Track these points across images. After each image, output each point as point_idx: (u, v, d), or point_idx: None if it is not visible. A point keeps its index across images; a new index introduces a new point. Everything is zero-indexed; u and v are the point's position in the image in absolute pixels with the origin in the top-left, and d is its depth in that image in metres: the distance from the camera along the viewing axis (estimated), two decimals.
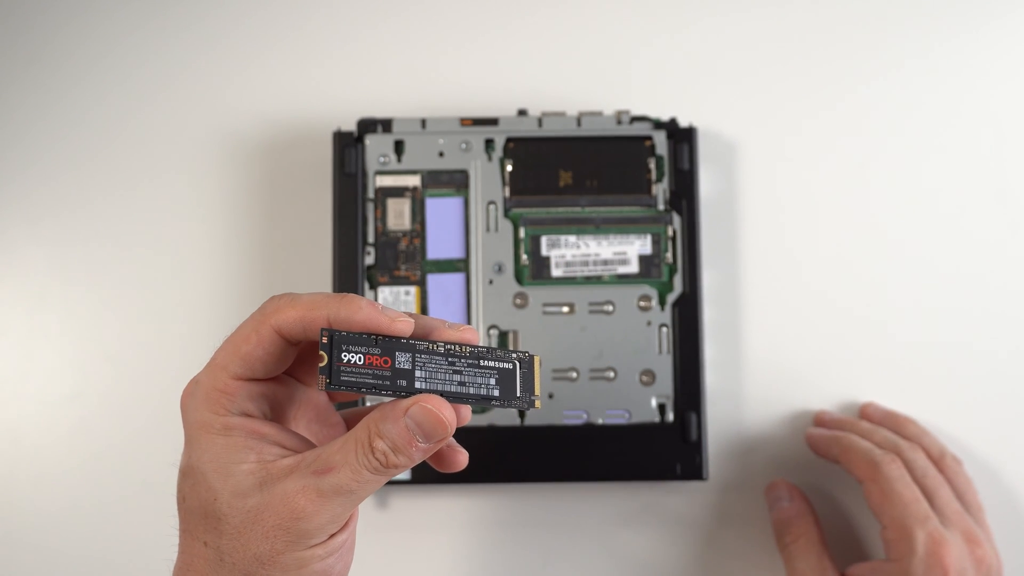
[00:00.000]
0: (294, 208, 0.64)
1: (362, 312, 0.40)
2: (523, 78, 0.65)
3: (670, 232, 0.61)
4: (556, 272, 0.61)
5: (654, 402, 0.60)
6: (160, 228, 0.64)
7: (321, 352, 0.39)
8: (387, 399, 0.40)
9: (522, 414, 0.60)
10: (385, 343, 0.40)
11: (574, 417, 0.60)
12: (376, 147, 0.62)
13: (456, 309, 0.61)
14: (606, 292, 0.61)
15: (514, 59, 0.66)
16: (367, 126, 0.62)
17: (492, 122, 0.62)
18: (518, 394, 0.42)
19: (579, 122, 0.62)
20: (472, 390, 0.41)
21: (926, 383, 0.63)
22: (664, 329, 0.61)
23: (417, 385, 0.40)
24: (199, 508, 0.41)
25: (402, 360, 0.40)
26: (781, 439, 0.63)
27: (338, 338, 0.39)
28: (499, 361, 0.42)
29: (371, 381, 0.40)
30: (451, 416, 0.40)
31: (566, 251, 0.61)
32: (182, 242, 0.64)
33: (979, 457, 0.62)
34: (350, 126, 0.62)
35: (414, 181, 0.62)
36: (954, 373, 0.63)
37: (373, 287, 0.61)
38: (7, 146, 0.65)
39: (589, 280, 0.61)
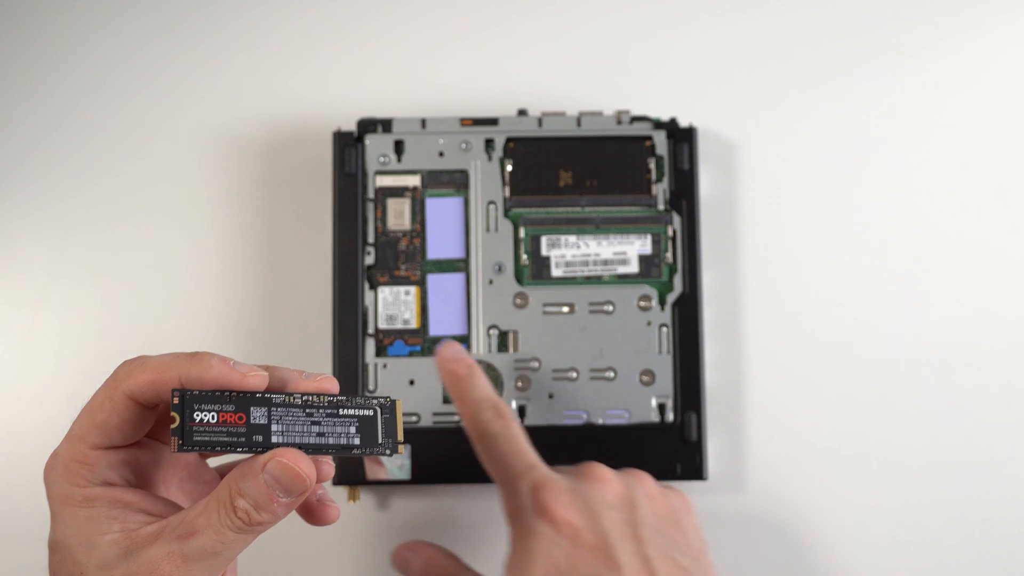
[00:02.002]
0: (294, 208, 0.64)
1: (213, 370, 0.40)
2: (523, 78, 0.65)
3: (670, 232, 0.61)
4: (556, 272, 0.61)
5: (654, 402, 0.60)
6: (160, 228, 0.64)
7: (173, 413, 0.39)
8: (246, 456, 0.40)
9: (522, 413, 0.60)
10: (239, 399, 0.40)
11: (574, 417, 0.60)
12: (376, 147, 0.62)
13: (456, 309, 0.61)
14: (606, 292, 0.61)
15: (514, 59, 0.66)
16: (367, 126, 0.62)
17: (492, 122, 0.62)
18: (380, 440, 0.41)
19: (579, 122, 0.62)
20: (332, 440, 0.41)
21: (927, 383, 0.63)
22: (664, 329, 0.61)
23: (274, 439, 0.40)
24: None
25: (257, 415, 0.40)
26: (781, 439, 0.63)
27: (190, 398, 0.39)
28: (359, 409, 0.41)
29: (225, 439, 0.39)
30: (309, 469, 0.39)
31: (566, 251, 0.61)
32: (182, 242, 0.64)
33: (979, 458, 0.62)
34: (350, 126, 0.62)
35: (414, 181, 0.62)
36: (955, 373, 0.63)
37: (373, 287, 0.61)
38: (7, 147, 0.65)
39: (589, 280, 0.61)
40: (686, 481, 0.60)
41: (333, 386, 0.42)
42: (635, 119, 0.62)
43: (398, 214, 0.61)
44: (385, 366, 0.60)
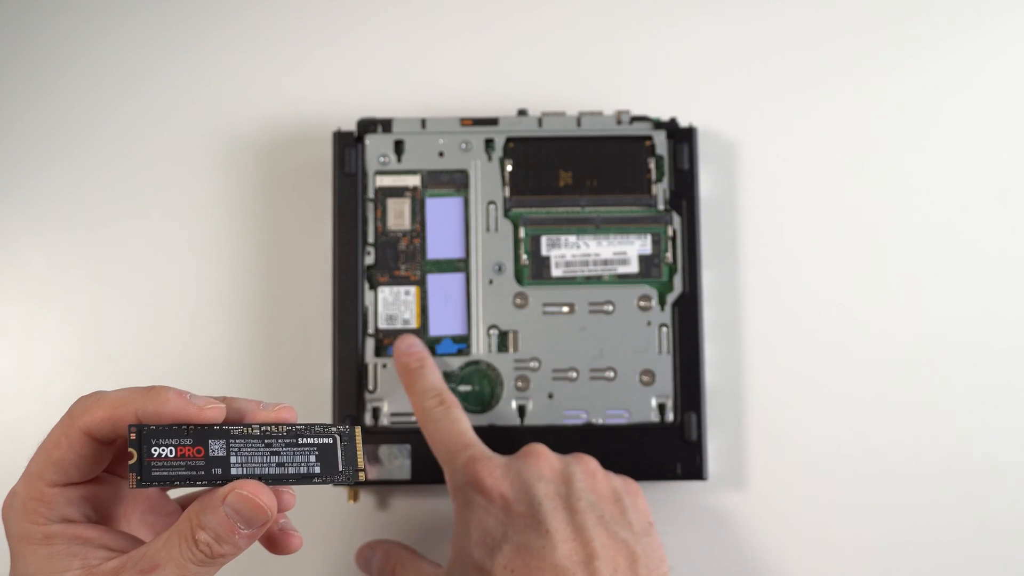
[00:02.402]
0: (294, 208, 0.64)
1: (169, 404, 0.39)
2: (523, 78, 0.65)
3: (670, 232, 0.61)
4: (556, 272, 0.61)
5: (654, 402, 0.60)
6: (160, 228, 0.64)
7: (130, 449, 0.39)
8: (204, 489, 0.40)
9: (522, 413, 0.60)
10: (197, 432, 0.39)
11: (574, 417, 0.60)
12: (376, 147, 0.62)
13: (456, 309, 0.61)
14: (606, 292, 0.61)
15: (514, 59, 0.66)
16: (367, 126, 0.62)
17: (492, 122, 0.62)
18: (340, 468, 0.41)
19: (579, 122, 0.62)
20: (292, 470, 0.40)
21: (927, 383, 0.63)
22: (664, 329, 0.61)
23: (233, 471, 0.40)
24: None
25: (216, 447, 0.40)
26: (781, 439, 0.63)
27: (147, 433, 0.39)
28: (318, 437, 0.41)
29: (184, 473, 0.39)
30: (270, 500, 0.39)
31: (566, 251, 0.61)
32: (182, 242, 0.64)
33: (980, 457, 0.62)
34: (350, 126, 0.62)
35: (414, 181, 0.62)
36: (955, 373, 0.63)
37: (373, 287, 0.61)
38: (6, 146, 0.65)
39: (589, 280, 0.61)
40: (686, 481, 0.60)
41: (291, 415, 0.41)
42: (635, 119, 0.62)
43: (398, 214, 0.61)
44: (385, 366, 0.60)
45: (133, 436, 0.39)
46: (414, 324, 0.61)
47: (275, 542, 0.43)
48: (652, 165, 0.62)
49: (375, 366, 0.60)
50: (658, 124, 0.62)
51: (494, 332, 0.61)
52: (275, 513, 0.40)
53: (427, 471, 0.59)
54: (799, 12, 0.66)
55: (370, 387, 0.60)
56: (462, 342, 0.61)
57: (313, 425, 0.41)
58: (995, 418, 0.63)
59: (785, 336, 0.63)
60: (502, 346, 0.60)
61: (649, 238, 0.61)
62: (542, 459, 0.54)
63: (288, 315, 0.63)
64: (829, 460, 0.62)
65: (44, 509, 0.41)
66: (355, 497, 0.60)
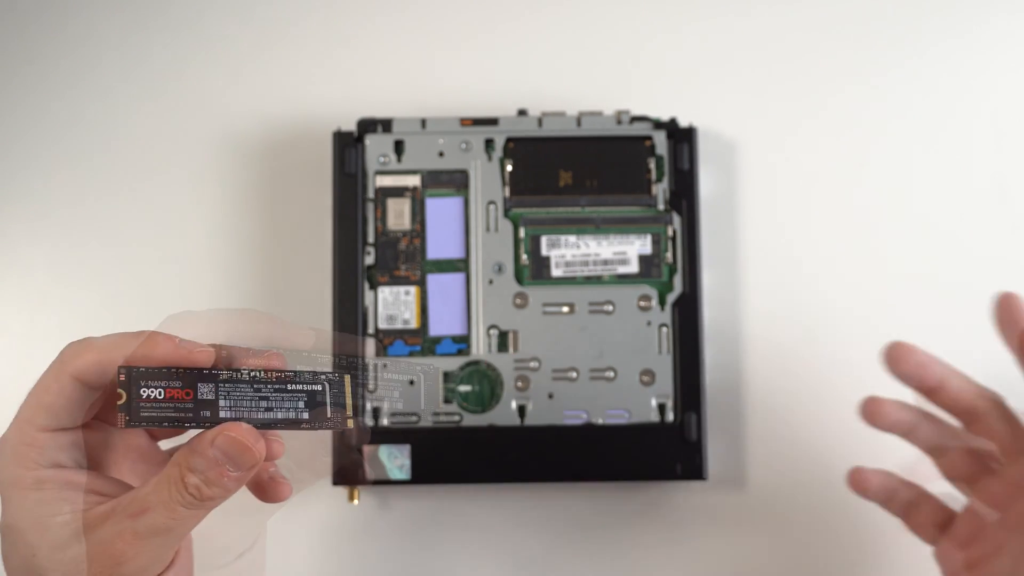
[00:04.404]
0: (294, 208, 0.64)
1: (159, 348, 0.40)
2: (523, 78, 0.65)
3: (670, 232, 0.61)
4: (556, 272, 0.61)
5: (654, 402, 0.60)
6: (160, 228, 0.64)
7: (119, 390, 0.39)
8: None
9: (522, 413, 0.60)
10: (187, 375, 0.40)
11: (574, 417, 0.60)
12: (376, 147, 0.62)
13: (456, 309, 0.61)
14: (606, 292, 0.61)
15: (514, 59, 0.66)
16: (367, 126, 0.62)
17: (492, 122, 0.62)
18: (328, 415, 0.41)
19: (579, 122, 0.62)
20: (280, 415, 0.41)
21: None
22: (664, 329, 0.61)
23: (222, 415, 0.40)
24: (21, 566, 0.40)
25: (204, 391, 0.40)
26: (781, 439, 0.63)
27: (136, 374, 0.39)
28: (307, 384, 0.41)
29: (173, 415, 0.39)
30: (257, 442, 0.39)
31: (566, 251, 0.61)
32: (182, 242, 0.64)
33: None
34: (350, 126, 0.62)
35: (414, 181, 0.62)
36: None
37: (373, 287, 0.61)
38: (7, 147, 0.65)
39: (589, 280, 0.61)
40: (686, 481, 0.60)
41: (281, 362, 0.42)
42: (635, 119, 0.62)
43: (398, 214, 0.61)
44: (385, 366, 0.60)
45: (122, 377, 0.39)
46: (414, 324, 0.61)
47: (265, 489, 0.43)
48: (652, 165, 0.62)
49: (375, 366, 0.60)
50: (658, 124, 0.62)
51: (494, 332, 0.61)
52: (263, 456, 0.40)
53: (427, 471, 0.59)
54: (799, 13, 0.66)
55: (370, 387, 0.60)
56: (462, 342, 0.61)
57: (302, 372, 0.41)
58: None
59: (785, 336, 0.63)
60: (502, 346, 0.60)
61: (649, 238, 0.61)
62: None
63: (288, 315, 0.63)
64: (829, 460, 0.62)
65: (34, 454, 0.41)
66: (355, 497, 0.60)
